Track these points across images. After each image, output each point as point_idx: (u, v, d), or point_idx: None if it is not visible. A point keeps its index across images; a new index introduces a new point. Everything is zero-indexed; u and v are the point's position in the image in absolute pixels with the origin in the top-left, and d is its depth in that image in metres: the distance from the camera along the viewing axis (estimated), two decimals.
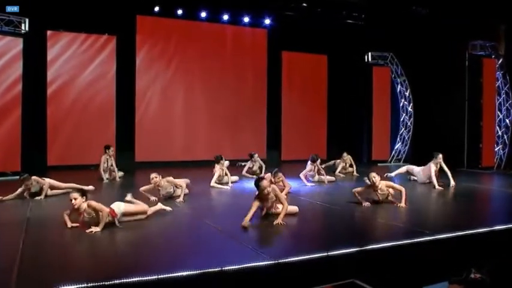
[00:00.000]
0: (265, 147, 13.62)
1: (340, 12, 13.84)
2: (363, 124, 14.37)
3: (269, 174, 7.51)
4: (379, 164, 13.53)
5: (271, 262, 3.91)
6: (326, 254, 4.11)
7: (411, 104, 13.94)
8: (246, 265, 3.85)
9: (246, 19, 13.33)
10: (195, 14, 12.70)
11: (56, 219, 5.50)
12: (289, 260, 3.98)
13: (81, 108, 11.76)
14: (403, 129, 14.02)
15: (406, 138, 13.99)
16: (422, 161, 13.17)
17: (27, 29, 9.70)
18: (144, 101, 12.47)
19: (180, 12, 12.44)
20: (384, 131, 13.89)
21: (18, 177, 9.47)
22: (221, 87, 13.40)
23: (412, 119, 13.92)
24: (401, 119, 14.02)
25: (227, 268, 3.75)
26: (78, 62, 11.77)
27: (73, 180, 7.86)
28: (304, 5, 13.45)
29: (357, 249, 4.29)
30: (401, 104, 14.06)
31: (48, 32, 11.33)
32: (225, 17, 13.02)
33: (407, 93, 13.99)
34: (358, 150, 14.31)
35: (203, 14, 12.69)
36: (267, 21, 13.54)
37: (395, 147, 14.05)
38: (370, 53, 13.73)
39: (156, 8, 12.07)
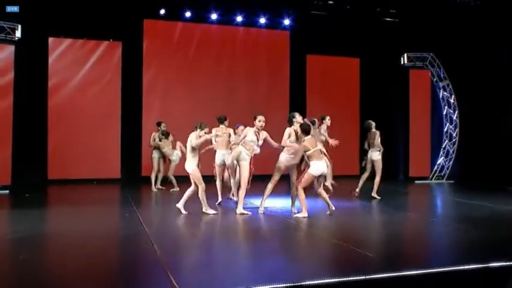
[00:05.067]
0: None
1: (374, 10, 13.13)
2: (399, 135, 13.33)
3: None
4: (417, 182, 12.45)
5: None
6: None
7: (456, 112, 12.71)
8: None
9: (263, 20, 12.91)
10: (205, 16, 12.47)
11: None
12: None
13: (84, 119, 11.80)
14: (446, 141, 12.81)
15: (451, 151, 12.76)
16: (469, 178, 12.19)
17: (19, 35, 9.82)
18: (151, 109, 12.31)
19: (188, 14, 12.27)
20: (424, 144, 12.75)
21: (7, 191, 9.67)
22: (237, 95, 13.00)
23: (457, 129, 12.69)
24: (445, 130, 12.82)
25: None
26: (82, 69, 11.86)
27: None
28: (331, 2, 12.87)
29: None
30: (444, 112, 12.87)
31: (50, 39, 11.54)
32: (239, 19, 12.67)
33: (451, 100, 12.81)
34: (394, 165, 13.26)
35: (214, 16, 12.43)
36: (287, 22, 13.05)
37: (438, 162, 12.84)
38: (406, 54, 12.70)
39: (162, 11, 11.97)
